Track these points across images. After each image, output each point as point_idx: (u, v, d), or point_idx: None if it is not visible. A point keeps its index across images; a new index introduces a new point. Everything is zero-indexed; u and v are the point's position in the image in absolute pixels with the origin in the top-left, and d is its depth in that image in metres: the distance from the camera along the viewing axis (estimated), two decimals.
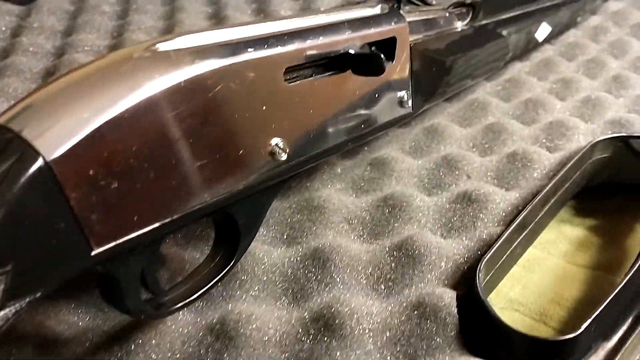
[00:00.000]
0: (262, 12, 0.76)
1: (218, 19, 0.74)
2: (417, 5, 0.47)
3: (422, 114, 0.54)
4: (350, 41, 0.36)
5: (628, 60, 0.68)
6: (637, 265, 0.37)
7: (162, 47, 0.28)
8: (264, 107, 0.31)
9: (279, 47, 0.32)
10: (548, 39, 0.69)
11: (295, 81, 0.33)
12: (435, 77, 0.47)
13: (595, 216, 0.50)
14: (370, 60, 0.35)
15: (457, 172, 0.47)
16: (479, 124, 0.54)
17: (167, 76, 0.27)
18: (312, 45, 0.34)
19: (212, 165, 0.29)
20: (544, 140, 0.52)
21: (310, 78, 0.34)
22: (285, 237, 0.41)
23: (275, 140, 0.32)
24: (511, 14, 0.57)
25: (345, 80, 0.37)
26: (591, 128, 0.53)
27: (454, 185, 0.46)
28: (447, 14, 0.50)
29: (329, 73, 0.36)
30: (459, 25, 0.51)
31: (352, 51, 0.36)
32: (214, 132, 0.29)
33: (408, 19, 0.43)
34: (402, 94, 0.43)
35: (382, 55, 0.35)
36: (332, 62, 0.36)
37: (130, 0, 0.78)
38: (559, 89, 0.61)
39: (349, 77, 0.37)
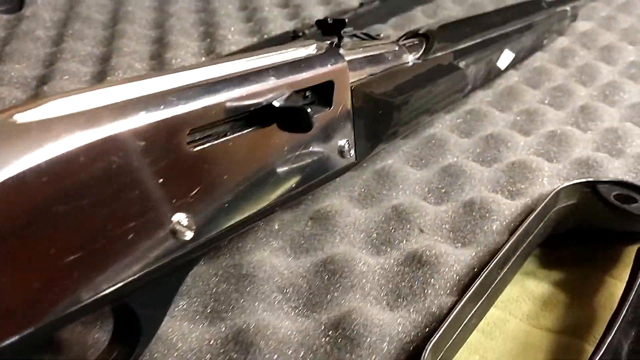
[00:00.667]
0: (210, 35, 0.71)
1: (162, 44, 0.69)
2: (362, 39, 0.43)
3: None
4: (275, 90, 0.31)
5: (597, 88, 0.64)
6: (609, 335, 0.33)
7: (23, 117, 0.23)
8: (161, 180, 0.26)
9: (180, 105, 0.27)
10: (512, 65, 0.65)
11: (203, 144, 0.28)
12: (384, 119, 0.42)
13: (562, 268, 0.46)
14: (296, 116, 0.30)
15: (408, 226, 0.42)
16: (435, 165, 0.50)
17: (25, 157, 0.22)
18: (225, 100, 0.29)
19: (96, 253, 0.24)
20: (505, 184, 0.47)
21: (224, 138, 0.29)
22: (208, 310, 0.36)
23: (177, 217, 0.27)
24: (468, 44, 0.53)
25: (270, 135, 0.32)
26: (557, 169, 0.49)
27: (404, 242, 0.41)
28: (397, 48, 0.45)
29: (249, 129, 0.31)
30: (411, 59, 0.46)
31: (276, 104, 0.31)
32: (96, 215, 0.24)
33: (349, 58, 0.38)
34: (342, 142, 0.38)
35: (310, 110, 0.30)
36: (253, 116, 0.31)
37: (67, 24, 0.72)
38: (523, 121, 0.57)
39: (274, 130, 0.32)
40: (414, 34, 0.50)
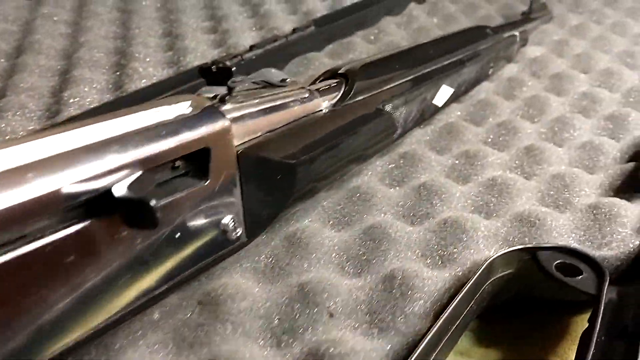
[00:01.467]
0: (122, 68, 0.64)
1: (64, 79, 0.61)
2: (261, 87, 0.36)
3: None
4: (118, 170, 0.25)
5: (545, 123, 0.58)
6: None
7: None
8: None
9: None
10: (454, 99, 0.59)
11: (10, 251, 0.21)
12: (286, 184, 0.36)
13: (502, 345, 0.40)
14: (136, 210, 0.24)
15: (316, 309, 0.35)
16: (358, 225, 0.43)
17: None
18: (37, 189, 0.22)
19: None
20: (435, 247, 0.41)
21: (40, 241, 0.22)
22: None
23: None
24: (397, 83, 0.47)
25: (115, 227, 0.25)
26: (494, 227, 0.43)
27: (309, 330, 0.34)
28: (306, 94, 0.39)
29: (83, 224, 0.24)
30: (325, 105, 0.40)
31: (115, 191, 0.24)
32: None
33: (237, 114, 0.32)
34: (226, 220, 0.31)
35: (154, 202, 0.23)
36: (90, 205, 0.24)
37: None
38: (462, 166, 0.51)
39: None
40: (332, 75, 0.44)
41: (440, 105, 0.55)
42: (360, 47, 0.73)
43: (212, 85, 0.33)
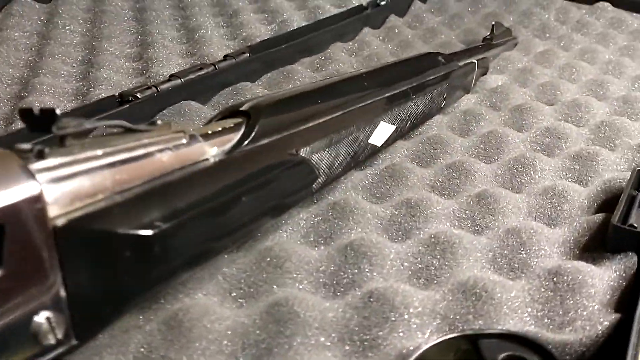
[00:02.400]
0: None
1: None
2: (116, 134, 0.28)
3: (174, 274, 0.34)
4: None
5: (502, 164, 0.51)
6: None
7: None
8: None
9: None
10: (399, 136, 0.52)
11: None
12: (141, 261, 0.27)
13: None
14: None
15: None
16: (262, 301, 0.35)
17: None
18: None
19: None
20: (356, 329, 0.33)
21: None
22: None
23: None
24: (317, 122, 0.39)
25: None
26: (432, 300, 0.35)
27: None
28: (185, 139, 0.30)
29: None
30: (214, 153, 0.32)
31: None
32: None
33: (61, 173, 0.23)
34: (39, 320, 0.22)
35: None
36: None
37: None
38: (401, 218, 0.43)
39: None
40: (230, 113, 0.36)
41: (379, 144, 0.47)
42: (302, 76, 0.65)
43: (35, 131, 0.24)
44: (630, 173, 0.45)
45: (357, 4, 0.84)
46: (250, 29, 0.74)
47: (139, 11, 0.80)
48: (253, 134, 0.34)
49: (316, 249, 0.40)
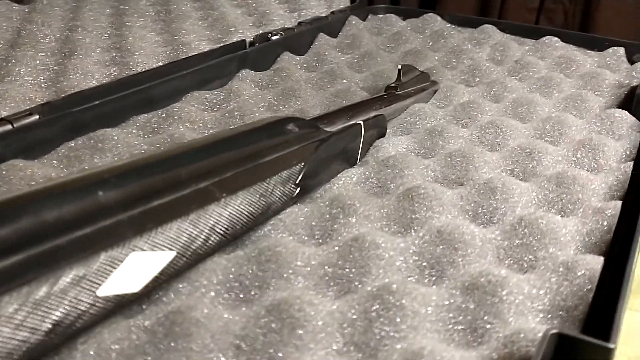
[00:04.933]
0: None
1: None
2: None
3: None
4: None
5: (362, 299, 0.33)
6: None
7: None
8: None
9: None
10: (194, 260, 0.34)
11: None
12: None
13: None
14: None
15: None
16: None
17: None
18: None
19: None
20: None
21: None
22: None
23: None
24: None
25: None
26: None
27: None
28: None
29: None
30: None
31: None
32: None
33: None
34: None
35: None
36: None
37: None
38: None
39: None
40: None
41: (136, 289, 0.29)
42: (119, 145, 0.47)
43: None
44: None
45: (239, 40, 0.66)
46: (77, 75, 0.56)
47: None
48: None
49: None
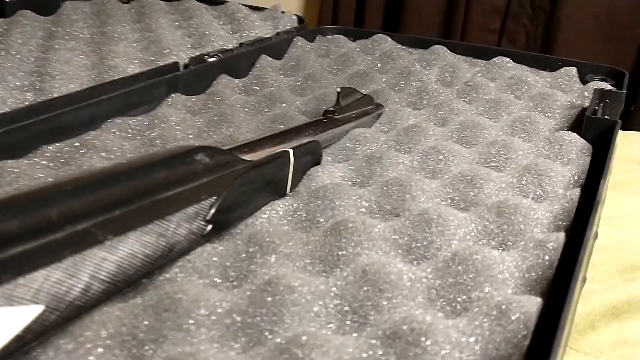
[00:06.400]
0: None
1: None
2: None
3: None
4: None
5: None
6: None
7: None
8: None
9: None
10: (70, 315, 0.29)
11: None
12: None
13: None
14: None
15: None
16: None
17: None
18: None
19: None
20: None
21: None
22: None
23: None
24: None
25: None
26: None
27: None
28: None
29: None
30: None
31: None
32: None
33: None
34: None
35: None
36: None
37: None
38: None
39: None
40: None
41: None
42: (18, 178, 0.42)
43: None
44: None
45: (172, 61, 0.62)
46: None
47: None
48: None
49: None
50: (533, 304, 0.31)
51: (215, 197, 0.36)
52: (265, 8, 0.85)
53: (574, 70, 0.70)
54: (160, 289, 0.33)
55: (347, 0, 1.79)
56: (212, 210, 0.36)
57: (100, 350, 0.29)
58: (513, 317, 0.30)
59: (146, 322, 0.30)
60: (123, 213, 0.30)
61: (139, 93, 0.55)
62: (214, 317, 0.31)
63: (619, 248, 0.50)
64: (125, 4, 0.89)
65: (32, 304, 0.26)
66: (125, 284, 0.31)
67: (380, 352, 0.29)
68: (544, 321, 0.31)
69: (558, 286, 0.34)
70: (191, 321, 0.31)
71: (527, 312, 0.30)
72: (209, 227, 0.36)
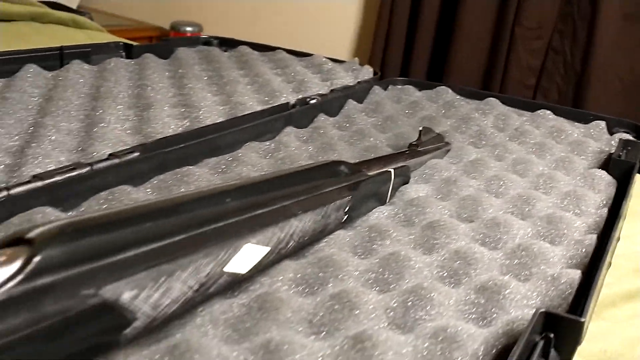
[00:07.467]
0: None
1: None
2: None
3: None
4: None
5: (397, 295, 0.44)
6: None
7: None
8: None
9: None
10: (278, 258, 0.45)
11: None
12: None
13: None
14: None
15: None
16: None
17: None
18: None
19: None
20: None
21: None
22: None
23: None
24: (132, 253, 0.31)
25: None
26: None
27: None
28: None
29: None
30: None
31: None
32: None
33: None
34: None
35: None
36: None
37: None
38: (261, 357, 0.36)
39: None
40: (10, 242, 0.29)
41: (243, 271, 0.40)
42: (198, 179, 0.59)
43: None
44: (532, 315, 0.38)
45: (283, 102, 0.80)
46: (157, 125, 0.68)
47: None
48: (27, 270, 0.27)
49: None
50: (575, 274, 0.46)
51: (350, 197, 0.52)
52: (344, 61, 1.02)
53: (603, 123, 0.85)
54: (317, 254, 0.48)
55: (395, 52, 1.97)
56: (349, 206, 0.52)
57: (285, 287, 0.45)
58: (562, 281, 0.45)
59: (313, 271, 0.46)
60: (306, 199, 0.46)
61: (266, 125, 0.72)
62: (356, 273, 0.47)
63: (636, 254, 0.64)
64: (225, 52, 1.08)
65: (262, 246, 0.42)
66: (301, 246, 0.47)
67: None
68: (581, 288, 0.46)
69: (592, 266, 0.49)
70: (343, 273, 0.46)
71: (572, 279, 0.45)
72: (346, 217, 0.52)
